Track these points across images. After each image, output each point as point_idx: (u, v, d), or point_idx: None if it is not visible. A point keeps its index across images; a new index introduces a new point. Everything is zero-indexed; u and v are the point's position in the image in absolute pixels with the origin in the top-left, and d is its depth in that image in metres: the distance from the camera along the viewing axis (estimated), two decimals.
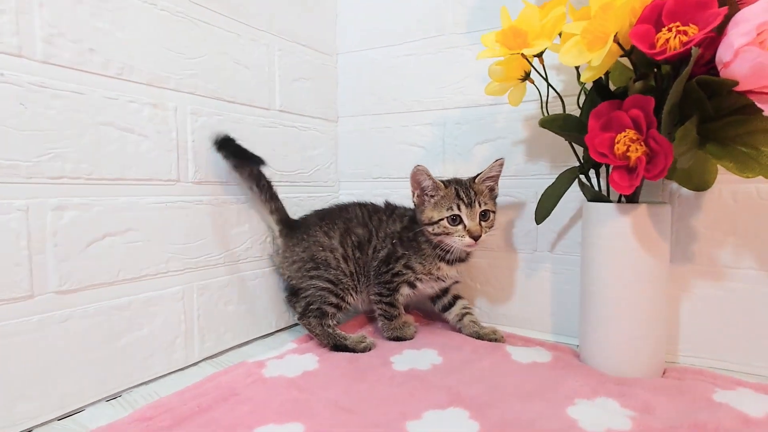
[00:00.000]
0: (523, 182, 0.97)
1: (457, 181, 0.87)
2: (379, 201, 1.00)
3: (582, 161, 0.81)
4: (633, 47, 0.64)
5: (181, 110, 0.79)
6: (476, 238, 0.83)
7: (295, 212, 1.00)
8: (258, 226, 0.95)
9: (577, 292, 0.90)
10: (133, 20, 0.72)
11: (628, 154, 0.65)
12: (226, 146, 0.84)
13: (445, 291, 0.97)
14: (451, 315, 0.96)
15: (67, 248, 0.65)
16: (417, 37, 1.06)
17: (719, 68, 0.60)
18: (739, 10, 0.58)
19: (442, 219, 0.84)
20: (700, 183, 0.75)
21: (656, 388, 0.69)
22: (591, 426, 0.59)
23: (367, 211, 0.97)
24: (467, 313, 0.95)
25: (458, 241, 0.84)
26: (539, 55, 0.77)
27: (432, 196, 0.86)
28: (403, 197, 1.00)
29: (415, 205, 0.90)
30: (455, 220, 0.84)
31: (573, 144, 0.81)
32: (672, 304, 0.84)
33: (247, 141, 0.90)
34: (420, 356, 0.82)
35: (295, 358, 0.81)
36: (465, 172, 0.92)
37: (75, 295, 0.66)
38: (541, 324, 0.98)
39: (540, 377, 0.74)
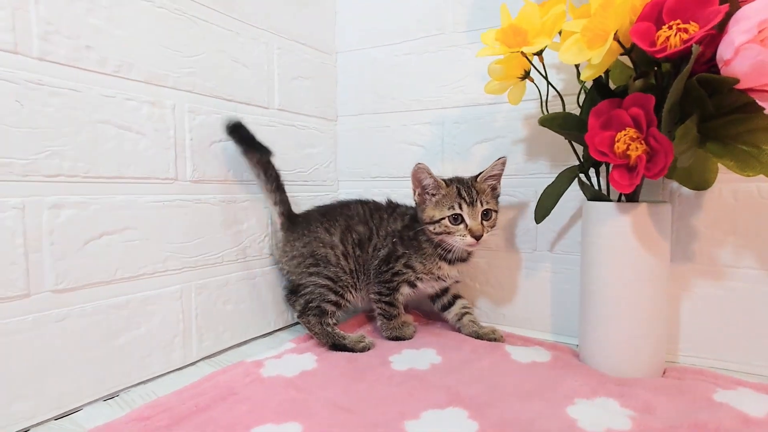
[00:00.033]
0: (523, 181, 0.97)
1: (458, 180, 0.87)
2: (381, 199, 1.00)
3: (582, 160, 0.81)
4: (633, 45, 0.64)
5: (179, 108, 0.79)
6: (478, 238, 0.82)
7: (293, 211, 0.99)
8: (257, 225, 0.94)
9: (576, 292, 0.90)
10: (131, 17, 0.71)
11: (628, 152, 0.65)
12: (237, 131, 0.86)
13: (444, 290, 0.97)
14: (451, 314, 0.96)
15: (63, 247, 0.64)
16: (417, 36, 1.05)
17: (720, 66, 0.60)
18: (740, 7, 0.58)
19: (443, 218, 0.84)
20: (700, 182, 0.75)
21: (656, 388, 0.69)
22: (591, 426, 0.59)
23: (368, 209, 0.96)
24: (466, 313, 0.95)
25: (459, 240, 0.83)
26: (539, 54, 0.77)
27: (433, 195, 0.86)
28: (403, 196, 1.00)
29: (416, 203, 0.90)
30: (457, 219, 0.83)
31: (573, 143, 0.81)
32: (672, 304, 0.84)
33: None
34: (419, 356, 0.82)
35: (294, 358, 0.81)
36: (464, 171, 0.92)
37: (72, 294, 0.65)
38: (540, 323, 0.97)
39: (539, 377, 0.73)
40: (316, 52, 1.09)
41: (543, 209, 0.84)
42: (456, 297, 0.97)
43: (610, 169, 0.69)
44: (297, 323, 1.03)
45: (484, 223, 0.83)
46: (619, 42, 0.65)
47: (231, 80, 0.88)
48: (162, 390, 0.71)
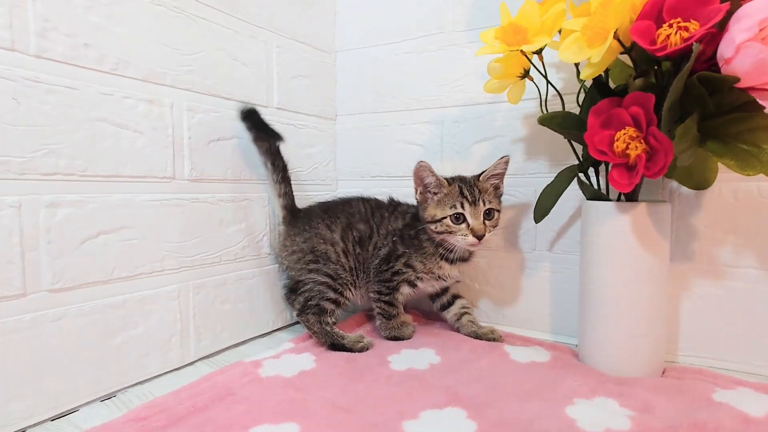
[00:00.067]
0: (522, 181, 0.97)
1: (461, 179, 0.86)
2: (383, 197, 1.00)
3: (581, 159, 0.81)
4: (633, 44, 0.64)
5: (178, 107, 0.78)
6: (480, 238, 0.82)
7: None
8: (255, 225, 0.94)
9: (576, 291, 0.90)
10: (129, 15, 0.71)
11: (628, 151, 0.65)
12: (250, 117, 0.88)
13: (444, 290, 0.96)
14: (450, 314, 0.95)
15: (60, 246, 0.64)
16: (417, 35, 1.05)
17: (720, 65, 0.60)
18: (741, 5, 0.58)
19: (445, 217, 0.83)
20: (700, 181, 0.75)
21: (656, 388, 0.68)
22: (590, 426, 0.58)
23: (370, 207, 0.96)
24: (465, 313, 0.94)
25: (461, 240, 0.83)
26: (539, 52, 0.77)
27: (435, 194, 0.85)
28: (402, 196, 0.99)
29: (417, 202, 0.89)
30: (458, 218, 0.83)
31: (572, 142, 0.81)
32: (672, 303, 0.83)
33: (244, 138, 0.90)
34: (418, 356, 0.81)
35: (292, 358, 0.81)
36: (463, 170, 0.91)
37: (69, 293, 0.65)
38: (539, 323, 0.97)
39: (539, 377, 0.73)
40: (316, 50, 1.09)
41: (542, 209, 0.83)
42: (455, 297, 0.97)
43: (610, 168, 0.68)
44: (296, 323, 1.03)
45: (487, 222, 0.83)
46: (619, 40, 0.65)
47: (230, 78, 0.88)
48: (159, 390, 0.70)
